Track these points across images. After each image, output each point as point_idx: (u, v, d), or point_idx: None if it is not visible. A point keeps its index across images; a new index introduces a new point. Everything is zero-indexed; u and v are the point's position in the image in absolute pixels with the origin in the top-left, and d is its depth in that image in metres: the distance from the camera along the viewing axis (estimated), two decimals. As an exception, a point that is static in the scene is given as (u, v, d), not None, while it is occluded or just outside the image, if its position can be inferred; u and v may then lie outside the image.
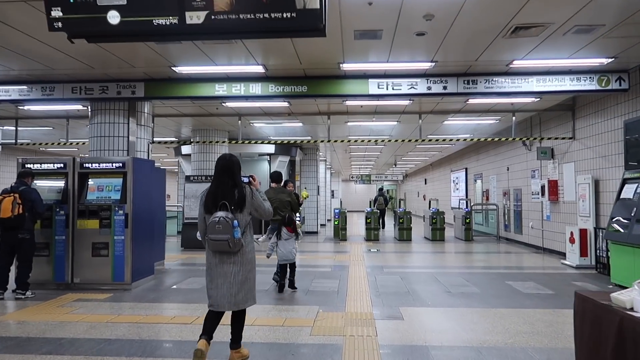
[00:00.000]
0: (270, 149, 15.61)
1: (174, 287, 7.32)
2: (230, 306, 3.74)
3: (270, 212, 3.97)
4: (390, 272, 8.73)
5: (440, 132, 13.80)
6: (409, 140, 10.75)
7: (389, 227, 20.64)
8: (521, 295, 6.60)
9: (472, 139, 11.02)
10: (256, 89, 7.69)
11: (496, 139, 10.97)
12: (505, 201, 14.89)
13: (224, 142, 13.16)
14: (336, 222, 15.41)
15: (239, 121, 11.24)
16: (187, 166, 15.64)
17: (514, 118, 10.73)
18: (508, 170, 14.61)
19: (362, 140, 11.16)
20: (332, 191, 32.32)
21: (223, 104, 9.86)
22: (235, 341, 3.89)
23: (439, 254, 11.77)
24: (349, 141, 11.04)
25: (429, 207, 16.80)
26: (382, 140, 10.96)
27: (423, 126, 10.87)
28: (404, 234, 15.01)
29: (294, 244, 6.85)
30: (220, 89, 7.72)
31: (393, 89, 7.47)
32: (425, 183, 31.63)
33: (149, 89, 7.79)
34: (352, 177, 30.63)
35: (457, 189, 21.93)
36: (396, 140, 10.83)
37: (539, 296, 6.56)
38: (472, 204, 16.11)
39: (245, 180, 3.98)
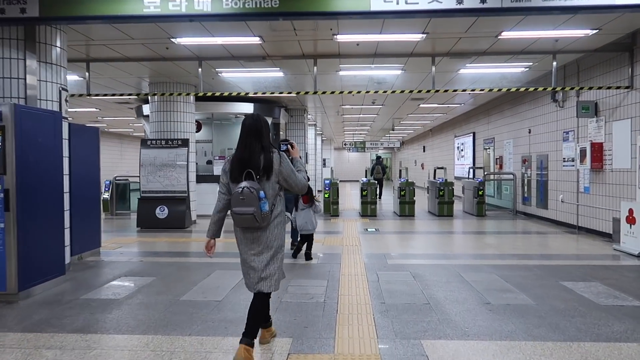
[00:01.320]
0: (248, 108, 13.12)
1: (86, 296, 5.03)
2: (257, 287, 3.28)
3: (304, 185, 3.42)
4: (397, 265, 6.50)
5: (453, 85, 11.39)
6: (419, 92, 8.34)
7: (387, 199, 18.45)
8: (599, 310, 4.39)
9: (499, 90, 8.60)
10: (204, 5, 5.20)
11: (531, 89, 8.60)
12: (524, 170, 12.66)
13: (179, 94, 10.65)
14: (326, 195, 13.13)
15: (200, 69, 8.74)
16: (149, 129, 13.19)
17: (554, 63, 8.33)
18: (530, 132, 12.31)
19: (359, 92, 8.72)
20: (324, 160, 29.99)
21: (172, 39, 7.37)
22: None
23: (452, 236, 9.55)
24: (341, 92, 8.59)
25: (434, 176, 14.56)
26: (384, 92, 8.55)
27: (434, 76, 8.46)
28: (406, 208, 12.78)
29: (311, 214, 6.71)
30: (151, 5, 5.23)
31: (406, 2, 5.02)
32: (424, 150, 29.37)
33: (47, 5, 5.28)
34: (344, 145, 28.17)
35: (463, 157, 19.67)
36: (402, 92, 8.43)
37: (625, 312, 4.35)
38: (486, 173, 13.79)
39: (284, 147, 3.59)
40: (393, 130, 22.77)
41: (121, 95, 9.63)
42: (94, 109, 15.81)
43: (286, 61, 8.80)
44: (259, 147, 3.23)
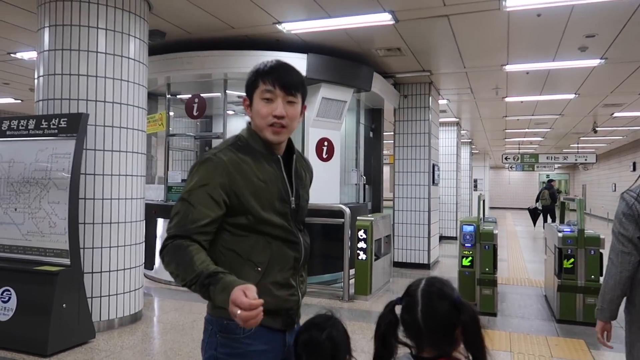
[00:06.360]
0: (298, 62, 6.20)
1: None
2: None
3: None
4: None
5: None
6: None
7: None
8: None
9: None
10: None
11: None
12: None
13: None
14: (467, 262, 5.46)
15: None
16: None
17: None
18: None
19: None
20: (475, 181, 21.57)
21: None
22: None
23: None
24: None
25: None
26: None
27: None
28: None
29: None
30: None
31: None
32: (634, 169, 19.06)
33: None
34: (506, 159, 19.32)
35: None
36: None
37: None
38: None
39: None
40: (595, 132, 13.54)
41: None
42: None
43: None
44: None
